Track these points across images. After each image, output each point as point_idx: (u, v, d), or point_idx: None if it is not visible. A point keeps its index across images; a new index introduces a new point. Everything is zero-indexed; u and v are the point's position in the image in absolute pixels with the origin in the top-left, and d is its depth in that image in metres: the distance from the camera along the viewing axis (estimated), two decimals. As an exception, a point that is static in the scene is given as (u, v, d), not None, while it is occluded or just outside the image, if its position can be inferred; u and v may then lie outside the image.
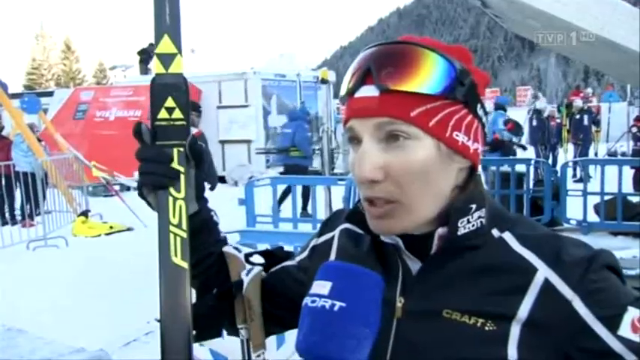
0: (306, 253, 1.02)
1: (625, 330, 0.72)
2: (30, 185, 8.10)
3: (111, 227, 8.04)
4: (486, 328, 0.75)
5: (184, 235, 0.91)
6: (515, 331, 0.74)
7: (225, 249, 1.01)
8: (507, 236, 0.80)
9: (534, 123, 12.57)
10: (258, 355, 0.96)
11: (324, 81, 9.40)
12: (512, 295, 0.75)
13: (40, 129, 10.59)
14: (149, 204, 0.95)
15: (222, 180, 12.92)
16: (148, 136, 0.91)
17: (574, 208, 6.49)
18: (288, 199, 6.35)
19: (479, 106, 0.81)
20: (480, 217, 0.79)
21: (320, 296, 0.73)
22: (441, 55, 0.77)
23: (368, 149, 0.76)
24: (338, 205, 7.07)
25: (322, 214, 6.50)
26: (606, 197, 6.31)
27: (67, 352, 3.11)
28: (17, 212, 9.14)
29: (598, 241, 5.52)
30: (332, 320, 0.71)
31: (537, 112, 12.74)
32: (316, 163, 13.59)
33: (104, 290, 5.12)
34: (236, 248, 1.02)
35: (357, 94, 0.78)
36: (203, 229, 0.99)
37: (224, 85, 13.87)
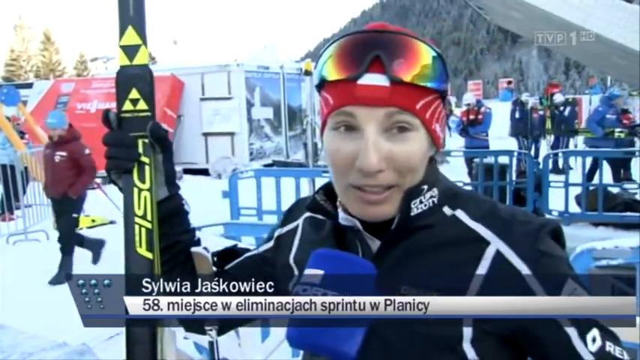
0: (271, 244, 1.03)
1: None
2: (9, 178, 7.97)
3: (93, 221, 7.95)
4: None
5: (149, 225, 0.91)
6: None
7: (194, 249, 1.01)
8: (460, 213, 0.83)
9: (517, 115, 12.65)
10: (210, 330, 0.96)
11: (307, 73, 9.38)
12: (465, 268, 0.78)
13: (20, 121, 10.42)
14: (120, 189, 0.95)
15: (206, 172, 12.86)
16: (114, 123, 0.92)
17: (556, 199, 6.57)
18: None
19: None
20: (432, 196, 0.83)
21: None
22: (435, 50, 0.80)
23: (374, 139, 0.77)
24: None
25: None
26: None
27: (49, 347, 3.08)
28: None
29: (579, 232, 5.59)
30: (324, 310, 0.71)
31: (521, 104, 12.82)
32: (300, 156, 13.57)
33: (86, 284, 5.06)
34: (205, 248, 1.02)
35: (363, 81, 0.77)
36: (171, 216, 0.99)
37: (207, 78, 13.77)
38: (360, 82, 0.77)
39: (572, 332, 0.75)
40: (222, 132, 13.84)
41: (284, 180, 6.23)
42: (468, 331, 0.77)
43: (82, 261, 5.86)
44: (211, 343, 0.99)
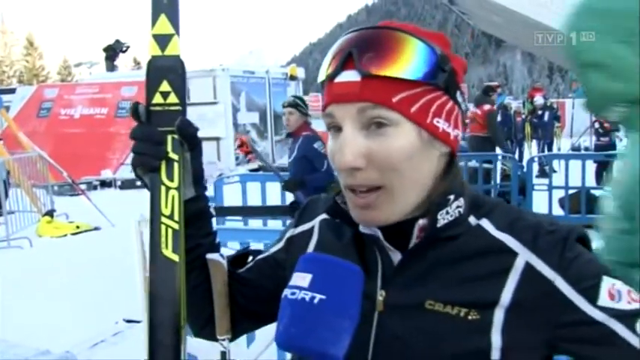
0: (281, 244, 1.00)
1: (603, 299, 0.75)
2: (-9, 185, 7.87)
3: (77, 227, 7.87)
4: (470, 317, 0.76)
5: (176, 226, 0.87)
6: (499, 316, 0.75)
7: (209, 256, 0.97)
8: (485, 223, 0.81)
9: (500, 118, 12.76)
10: (224, 339, 0.95)
11: (292, 77, 9.41)
12: (494, 281, 0.77)
13: (3, 127, 10.32)
14: (146, 186, 0.91)
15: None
16: (143, 116, 0.88)
17: (540, 203, 6.63)
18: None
19: (458, 92, 0.81)
20: (458, 206, 0.80)
21: (300, 288, 0.72)
22: (422, 40, 0.76)
23: (349, 136, 0.76)
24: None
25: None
26: (570, 191, 6.46)
27: (33, 355, 3.04)
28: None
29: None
30: (312, 313, 0.70)
31: (504, 108, 12.93)
32: (285, 160, 13.55)
33: (70, 291, 5.02)
34: (221, 255, 0.99)
35: (338, 79, 0.77)
36: (197, 217, 0.96)
37: (192, 82, 13.73)
38: (336, 80, 0.77)
39: (619, 329, 0.74)
40: (208, 137, 13.78)
41: (269, 185, 6.23)
42: (497, 341, 0.75)
43: (61, 266, 5.80)
44: (223, 354, 0.97)
